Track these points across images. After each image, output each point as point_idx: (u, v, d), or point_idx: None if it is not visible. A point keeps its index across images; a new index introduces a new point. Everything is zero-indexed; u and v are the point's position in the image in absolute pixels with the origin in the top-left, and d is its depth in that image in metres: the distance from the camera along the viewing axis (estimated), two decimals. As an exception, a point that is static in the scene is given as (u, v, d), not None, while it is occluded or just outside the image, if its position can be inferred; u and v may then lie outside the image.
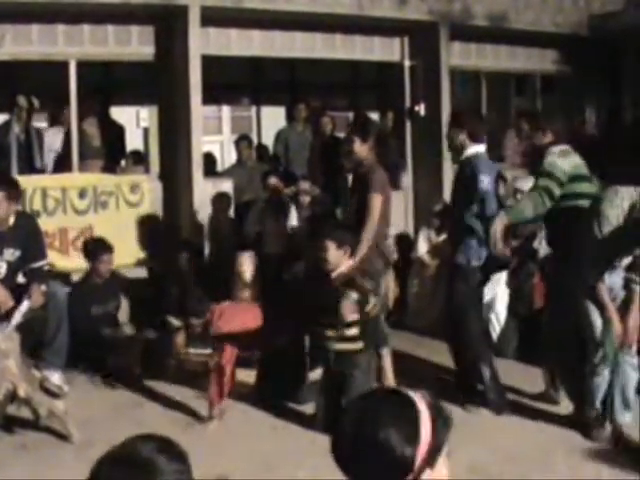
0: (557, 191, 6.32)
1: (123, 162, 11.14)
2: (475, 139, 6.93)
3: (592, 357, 6.02)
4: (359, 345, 6.15)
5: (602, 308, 5.92)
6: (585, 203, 6.37)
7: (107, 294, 8.08)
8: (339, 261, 6.19)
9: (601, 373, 5.99)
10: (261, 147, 12.76)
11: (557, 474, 5.50)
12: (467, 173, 6.83)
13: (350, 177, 7.93)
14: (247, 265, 8.45)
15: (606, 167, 9.97)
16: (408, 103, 11.68)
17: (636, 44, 12.32)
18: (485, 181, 6.66)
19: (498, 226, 6.29)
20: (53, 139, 10.34)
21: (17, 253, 7.09)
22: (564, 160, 6.49)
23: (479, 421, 6.43)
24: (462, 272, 6.82)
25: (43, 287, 7.06)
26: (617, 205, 5.88)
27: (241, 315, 6.73)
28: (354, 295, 6.08)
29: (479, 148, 6.94)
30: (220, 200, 9.94)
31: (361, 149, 7.40)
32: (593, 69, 12.57)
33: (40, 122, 11.14)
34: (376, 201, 7.19)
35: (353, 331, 6.12)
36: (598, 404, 6.01)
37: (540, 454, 5.83)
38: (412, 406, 2.21)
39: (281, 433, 6.29)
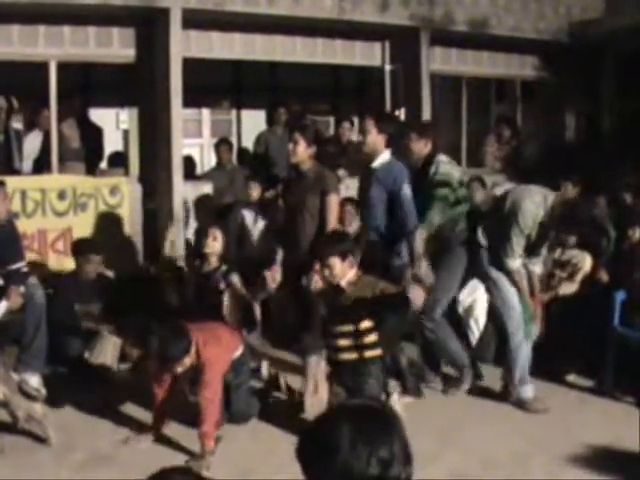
0: (452, 198, 7.09)
1: (103, 164, 11.10)
2: (389, 144, 7.15)
3: (514, 336, 6.93)
4: (377, 352, 5.96)
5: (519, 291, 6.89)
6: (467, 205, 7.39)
7: (92, 294, 8.00)
8: (345, 272, 5.97)
9: (526, 348, 6.99)
10: (241, 150, 12.73)
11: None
12: (388, 180, 6.97)
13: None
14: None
15: (585, 173, 10.08)
16: (389, 108, 11.69)
17: (615, 51, 12.40)
18: (408, 192, 6.94)
19: (419, 243, 6.93)
20: (33, 144, 10.28)
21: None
22: (454, 168, 7.36)
23: (458, 427, 6.44)
24: (398, 273, 6.99)
25: (21, 289, 7.02)
26: (534, 201, 6.65)
27: (221, 335, 6.41)
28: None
29: (388, 153, 7.14)
30: (201, 203, 9.92)
31: (304, 153, 7.21)
32: (573, 75, 12.63)
33: (18, 123, 11.08)
34: (335, 202, 7.17)
35: (372, 337, 5.92)
36: (527, 373, 7.01)
37: (519, 460, 5.84)
38: (399, 422, 2.18)
39: (261, 435, 6.27)
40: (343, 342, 5.89)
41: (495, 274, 6.92)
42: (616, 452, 5.87)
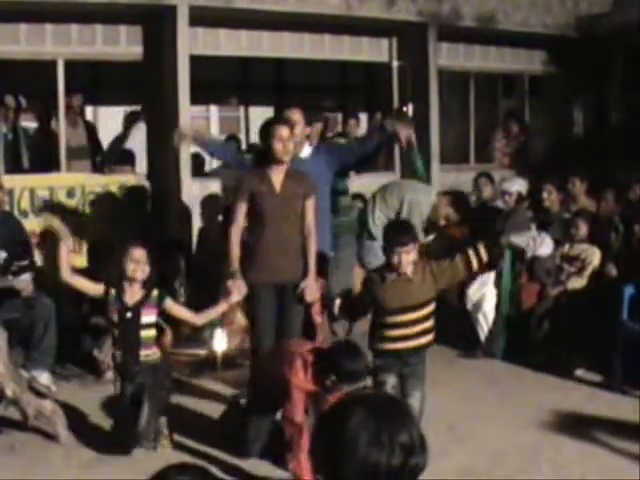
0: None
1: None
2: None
3: None
4: (433, 336, 5.85)
5: None
6: None
7: None
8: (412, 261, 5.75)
9: None
10: (250, 147, 12.73)
11: (543, 475, 5.52)
12: (324, 162, 6.93)
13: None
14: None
15: (593, 167, 10.08)
16: (396, 104, 11.69)
17: (623, 45, 12.37)
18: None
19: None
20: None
21: (3, 255, 7.12)
22: None
23: (467, 422, 6.45)
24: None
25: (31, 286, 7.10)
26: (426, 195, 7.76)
27: None
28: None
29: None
30: (209, 201, 9.91)
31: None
32: (581, 70, 12.60)
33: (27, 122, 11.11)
34: (314, 205, 6.58)
35: (431, 322, 5.77)
36: None
37: (527, 455, 5.84)
38: (411, 409, 2.15)
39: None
40: (414, 329, 5.70)
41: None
42: (625, 447, 5.87)
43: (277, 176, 6.32)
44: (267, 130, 6.37)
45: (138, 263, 5.67)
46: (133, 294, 5.75)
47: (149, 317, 5.75)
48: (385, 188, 8.24)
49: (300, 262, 6.37)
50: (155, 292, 5.80)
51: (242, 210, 6.34)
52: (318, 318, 8.03)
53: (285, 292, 6.34)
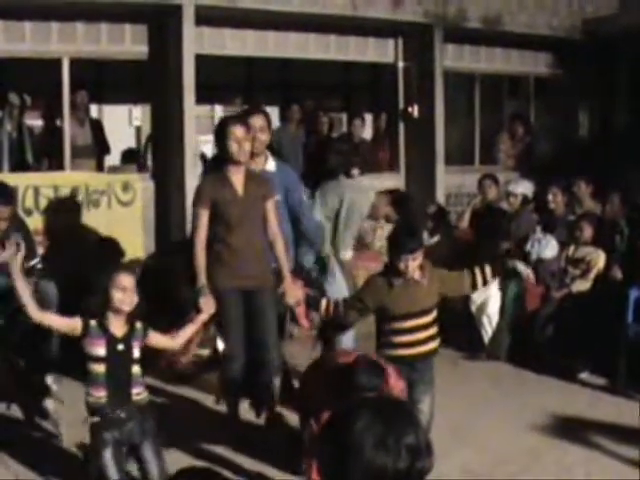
0: None
1: (115, 160, 11.10)
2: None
3: None
4: (438, 343, 5.75)
5: None
6: None
7: None
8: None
9: None
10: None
11: (547, 476, 5.50)
12: (287, 181, 6.54)
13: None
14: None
15: (599, 170, 10.06)
16: (401, 105, 11.68)
17: (629, 48, 12.35)
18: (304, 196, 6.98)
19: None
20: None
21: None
22: None
23: (471, 423, 6.43)
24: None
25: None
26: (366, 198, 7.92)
27: None
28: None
29: None
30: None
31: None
32: (586, 73, 12.59)
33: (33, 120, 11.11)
34: (275, 205, 6.27)
35: (436, 328, 5.68)
36: None
37: (530, 456, 5.83)
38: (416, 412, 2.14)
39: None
40: (422, 335, 5.63)
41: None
42: (628, 451, 5.85)
43: (237, 178, 6.00)
44: (222, 131, 6.02)
45: (125, 291, 4.76)
46: (120, 327, 4.84)
47: (137, 351, 4.89)
48: (325, 188, 8.14)
49: (267, 265, 6.13)
50: (139, 325, 4.93)
51: (204, 218, 5.96)
52: (305, 322, 7.89)
53: (253, 297, 6.03)
